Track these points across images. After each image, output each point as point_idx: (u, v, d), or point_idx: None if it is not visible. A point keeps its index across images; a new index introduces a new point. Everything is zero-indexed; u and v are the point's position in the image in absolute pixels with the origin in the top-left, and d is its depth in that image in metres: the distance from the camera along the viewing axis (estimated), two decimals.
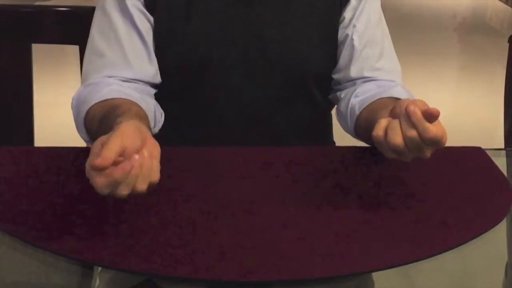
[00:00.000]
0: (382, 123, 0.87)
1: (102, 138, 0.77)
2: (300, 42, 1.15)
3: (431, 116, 0.82)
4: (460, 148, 1.13)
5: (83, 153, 1.06)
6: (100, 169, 0.73)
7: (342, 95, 1.20)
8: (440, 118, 0.84)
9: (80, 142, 1.23)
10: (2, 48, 1.40)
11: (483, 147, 1.12)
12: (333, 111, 1.32)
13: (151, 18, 1.13)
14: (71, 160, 1.04)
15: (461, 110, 3.57)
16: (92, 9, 1.21)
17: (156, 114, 1.11)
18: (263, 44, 1.14)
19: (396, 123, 0.85)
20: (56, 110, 2.34)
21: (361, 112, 1.11)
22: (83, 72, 1.15)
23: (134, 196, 0.91)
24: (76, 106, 1.09)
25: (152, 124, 1.05)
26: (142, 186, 0.76)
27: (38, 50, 1.44)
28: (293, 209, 0.90)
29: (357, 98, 1.14)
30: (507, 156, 1.22)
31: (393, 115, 0.88)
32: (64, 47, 1.40)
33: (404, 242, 0.83)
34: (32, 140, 1.44)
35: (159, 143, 1.09)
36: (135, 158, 0.75)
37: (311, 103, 1.22)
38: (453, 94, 3.86)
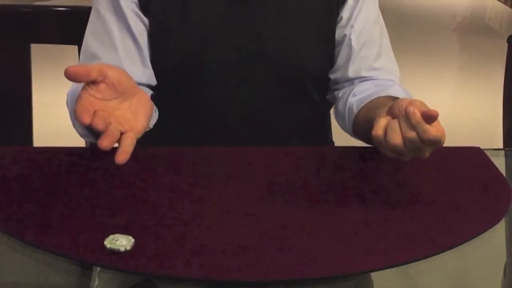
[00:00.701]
0: (381, 122, 0.87)
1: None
2: (297, 42, 1.15)
3: (430, 117, 0.82)
4: (459, 148, 1.13)
5: (82, 153, 1.06)
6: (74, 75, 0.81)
7: (340, 94, 1.20)
8: (439, 118, 0.84)
9: (79, 142, 1.23)
10: (1, 48, 1.40)
11: (482, 147, 1.12)
12: (331, 111, 1.32)
13: (146, 20, 1.13)
14: (70, 160, 1.04)
15: (460, 110, 3.57)
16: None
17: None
18: (260, 45, 1.14)
19: (395, 123, 0.85)
20: (55, 110, 2.34)
21: (359, 111, 1.12)
22: None
23: (133, 196, 0.91)
24: (71, 102, 1.09)
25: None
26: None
27: (37, 50, 1.44)
28: (292, 209, 0.90)
29: (355, 97, 1.14)
30: (506, 156, 1.22)
31: (391, 114, 0.89)
32: (63, 47, 1.40)
33: (403, 242, 0.83)
34: (31, 140, 1.44)
35: (156, 142, 1.09)
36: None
37: (308, 103, 1.22)
38: (452, 94, 3.87)
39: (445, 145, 1.12)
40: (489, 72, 4.12)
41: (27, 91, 1.42)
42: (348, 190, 0.96)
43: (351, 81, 1.18)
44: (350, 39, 1.17)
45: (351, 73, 1.18)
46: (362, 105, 1.11)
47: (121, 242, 0.80)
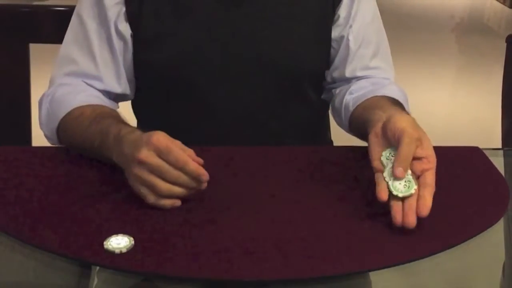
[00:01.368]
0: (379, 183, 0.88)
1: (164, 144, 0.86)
2: (293, 42, 1.15)
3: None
4: (458, 148, 1.13)
5: (80, 152, 1.06)
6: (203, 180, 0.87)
7: (337, 92, 1.21)
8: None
9: None
10: (0, 48, 1.39)
11: (480, 147, 1.12)
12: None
13: (129, 32, 1.12)
14: (69, 160, 1.04)
15: (459, 110, 3.57)
16: None
17: None
18: (255, 46, 1.14)
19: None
20: None
21: (354, 109, 1.13)
22: (52, 74, 1.15)
23: (133, 196, 0.91)
24: (50, 102, 1.10)
25: None
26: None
27: (36, 50, 1.44)
28: (291, 209, 0.90)
29: (351, 96, 1.15)
30: (505, 156, 1.23)
31: (383, 133, 0.92)
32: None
33: (402, 241, 0.83)
34: (29, 140, 1.43)
35: None
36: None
37: (306, 103, 1.22)
38: (450, 94, 3.87)
39: (444, 145, 1.13)
40: (488, 72, 4.13)
41: (25, 91, 1.42)
42: (347, 190, 0.96)
43: (347, 80, 1.19)
44: (348, 40, 1.18)
45: (348, 73, 1.19)
46: (358, 103, 1.12)
47: (121, 242, 0.80)
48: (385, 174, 0.87)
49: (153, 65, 1.14)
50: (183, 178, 0.87)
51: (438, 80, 3.97)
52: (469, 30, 5.62)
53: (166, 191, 0.87)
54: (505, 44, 1.52)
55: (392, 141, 0.90)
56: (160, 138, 0.87)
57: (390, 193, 0.85)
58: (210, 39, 1.13)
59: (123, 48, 1.13)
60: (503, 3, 6.24)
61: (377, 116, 0.97)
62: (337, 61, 1.19)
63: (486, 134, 3.12)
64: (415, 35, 5.04)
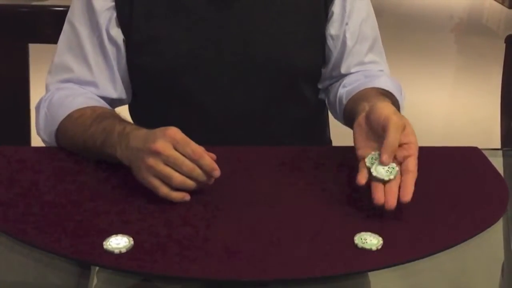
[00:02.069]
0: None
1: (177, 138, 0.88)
2: (286, 41, 1.15)
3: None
4: (457, 148, 1.13)
5: (78, 153, 1.06)
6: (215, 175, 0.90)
7: (331, 86, 1.23)
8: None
9: None
10: None
11: (480, 147, 1.12)
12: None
13: (121, 37, 1.13)
14: (68, 160, 1.04)
15: (458, 110, 3.58)
16: None
17: None
18: (249, 45, 1.14)
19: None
20: None
21: (347, 102, 1.15)
22: (47, 82, 1.15)
23: (132, 196, 0.92)
24: (49, 106, 1.10)
25: None
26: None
27: (35, 50, 1.44)
28: (290, 209, 0.90)
29: (344, 88, 1.17)
30: (504, 156, 1.23)
31: (367, 122, 0.94)
32: None
33: (401, 242, 0.83)
34: (28, 140, 1.43)
35: None
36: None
37: (301, 102, 1.22)
38: (450, 94, 3.87)
39: (443, 145, 1.13)
40: (487, 72, 4.13)
41: (24, 91, 1.42)
42: (346, 190, 0.96)
43: (342, 76, 1.21)
44: (345, 37, 1.19)
45: (343, 69, 1.20)
46: (350, 96, 1.14)
47: (120, 242, 0.80)
48: (367, 159, 0.90)
49: (147, 68, 1.14)
50: (197, 171, 0.88)
51: (437, 81, 3.97)
52: (468, 31, 5.63)
53: (180, 183, 0.88)
54: (504, 44, 1.52)
55: (376, 129, 0.92)
56: (176, 131, 0.89)
57: (374, 177, 0.88)
58: (202, 40, 1.13)
59: (116, 53, 1.14)
60: (502, 3, 6.24)
61: (361, 107, 1.00)
62: (333, 58, 1.20)
63: (485, 135, 3.12)
64: (414, 35, 5.04)
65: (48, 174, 1.00)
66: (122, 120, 1.01)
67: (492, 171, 1.05)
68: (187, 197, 0.90)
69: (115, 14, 1.12)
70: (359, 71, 1.20)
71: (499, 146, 1.51)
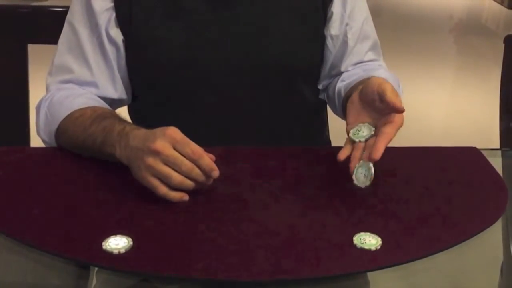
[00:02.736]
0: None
1: (177, 138, 0.89)
2: (285, 40, 1.16)
3: (396, 110, 0.92)
4: (456, 148, 1.13)
5: (78, 154, 1.06)
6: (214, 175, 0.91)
7: (330, 82, 1.24)
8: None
9: None
10: None
11: (478, 147, 1.13)
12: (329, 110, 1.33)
13: (120, 37, 1.13)
14: (67, 161, 1.04)
15: (457, 110, 3.58)
16: None
17: None
18: (248, 45, 1.14)
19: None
20: None
21: (346, 93, 1.15)
22: (47, 82, 1.16)
23: (131, 197, 0.92)
24: (49, 106, 1.10)
25: None
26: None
27: (34, 51, 1.44)
28: (289, 210, 0.90)
29: (343, 82, 1.19)
30: (503, 156, 1.23)
31: (360, 98, 0.99)
32: None
33: (400, 242, 0.83)
34: (28, 140, 1.43)
35: None
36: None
37: (301, 101, 1.23)
38: (449, 95, 3.87)
39: (442, 145, 1.13)
40: (486, 72, 4.13)
41: (24, 92, 1.42)
42: (345, 190, 0.96)
43: (341, 73, 1.22)
44: (346, 37, 1.19)
45: (343, 67, 1.22)
46: (349, 87, 1.15)
47: (119, 242, 0.80)
48: (351, 132, 0.96)
49: (146, 69, 1.14)
50: (196, 171, 0.89)
51: (436, 81, 3.98)
52: (467, 31, 5.63)
53: (179, 183, 0.88)
54: (503, 45, 1.53)
55: (371, 99, 0.95)
56: (176, 130, 0.90)
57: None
58: (201, 41, 1.13)
59: (116, 54, 1.14)
60: (501, 3, 6.25)
61: (355, 89, 1.03)
62: (333, 58, 1.21)
63: (484, 135, 3.12)
64: (413, 36, 5.04)
65: (47, 175, 0.99)
66: (122, 120, 1.02)
67: (491, 171, 1.05)
68: (185, 197, 0.90)
69: (114, 15, 1.12)
70: (357, 66, 1.22)
71: (498, 146, 1.51)
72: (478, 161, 1.09)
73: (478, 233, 0.87)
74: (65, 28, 1.15)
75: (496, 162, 1.10)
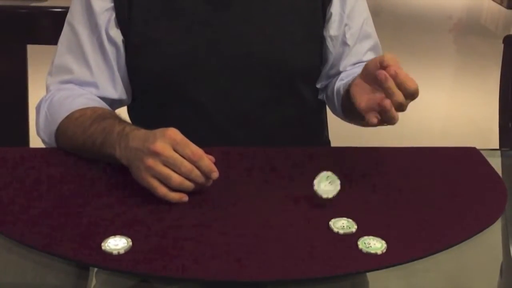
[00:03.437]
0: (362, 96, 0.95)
1: (177, 140, 0.89)
2: (283, 41, 1.16)
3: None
4: (455, 148, 1.13)
5: (77, 154, 1.06)
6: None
7: (329, 83, 1.24)
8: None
9: None
10: None
11: (478, 147, 1.13)
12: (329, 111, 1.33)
13: (120, 38, 1.13)
14: (66, 161, 1.03)
15: (456, 110, 3.58)
16: None
17: None
18: (247, 46, 1.14)
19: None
20: None
21: (345, 91, 1.14)
22: (47, 83, 1.16)
23: (131, 197, 0.92)
24: (49, 106, 1.10)
25: None
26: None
27: (34, 51, 1.44)
28: (289, 210, 0.90)
29: (342, 81, 1.19)
30: (502, 156, 1.23)
31: (364, 76, 0.97)
32: None
33: (399, 242, 0.83)
34: (27, 141, 1.43)
35: None
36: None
37: (299, 101, 1.23)
38: (448, 95, 3.87)
39: (441, 145, 1.13)
40: (485, 72, 4.13)
41: (23, 92, 1.42)
42: (345, 190, 0.96)
43: (340, 73, 1.22)
44: (345, 37, 1.20)
45: (341, 67, 1.22)
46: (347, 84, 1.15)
47: (118, 243, 0.80)
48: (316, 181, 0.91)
49: (145, 69, 1.14)
50: (195, 172, 0.89)
51: (436, 81, 3.98)
52: (467, 31, 5.63)
53: (178, 184, 0.88)
54: (502, 45, 1.53)
55: (374, 75, 0.93)
56: (176, 132, 0.90)
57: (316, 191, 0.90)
58: (200, 41, 1.13)
59: (116, 54, 1.14)
60: (500, 3, 6.25)
61: (355, 76, 1.02)
62: (332, 58, 1.21)
63: (483, 135, 3.12)
64: (412, 36, 5.05)
65: (46, 175, 0.99)
66: (122, 121, 1.02)
67: (490, 171, 1.05)
68: (185, 198, 0.90)
69: (114, 15, 1.12)
70: (355, 66, 1.22)
71: (497, 146, 1.51)
72: (477, 161, 1.09)
73: (478, 233, 0.87)
74: (65, 29, 1.15)
75: (496, 162, 1.10)
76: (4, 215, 0.88)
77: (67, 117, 1.06)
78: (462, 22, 6.05)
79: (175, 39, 1.13)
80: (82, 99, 1.09)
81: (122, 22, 1.12)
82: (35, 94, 1.24)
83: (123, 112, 1.21)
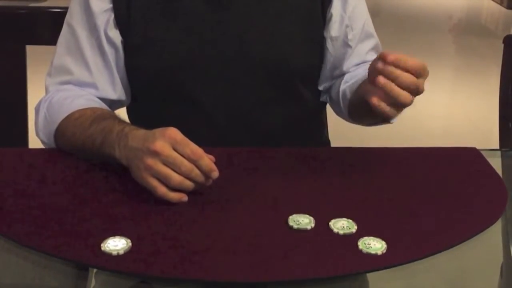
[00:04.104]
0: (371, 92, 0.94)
1: (177, 139, 0.89)
2: (283, 41, 1.16)
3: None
4: (455, 148, 1.13)
5: (76, 155, 1.06)
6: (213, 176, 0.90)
7: (333, 86, 1.25)
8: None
9: None
10: None
11: (478, 147, 1.12)
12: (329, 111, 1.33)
13: (119, 38, 1.13)
14: (66, 162, 1.03)
15: (457, 110, 3.58)
16: None
17: None
18: (246, 46, 1.14)
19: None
20: None
21: (352, 95, 1.16)
22: (46, 83, 1.16)
23: (130, 198, 0.91)
24: (48, 107, 1.10)
25: None
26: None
27: (33, 52, 1.44)
28: (289, 210, 0.90)
29: (346, 84, 1.19)
30: (502, 156, 1.23)
31: (372, 71, 0.95)
32: None
33: (399, 242, 0.83)
34: (26, 142, 1.43)
35: None
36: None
37: (299, 102, 1.23)
38: (448, 95, 3.87)
39: (441, 145, 1.13)
40: (485, 72, 4.13)
41: (22, 93, 1.42)
42: (343, 191, 0.96)
43: (343, 74, 1.23)
44: (346, 38, 1.20)
45: (345, 68, 1.22)
46: (354, 88, 1.15)
47: (118, 244, 0.80)
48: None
49: (144, 70, 1.14)
50: (195, 172, 0.88)
51: (436, 81, 3.98)
52: (467, 31, 5.64)
53: (178, 183, 0.88)
54: (502, 45, 1.53)
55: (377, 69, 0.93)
56: (176, 131, 0.90)
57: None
58: (199, 41, 1.13)
59: (115, 55, 1.14)
60: (500, 3, 6.26)
61: (359, 88, 1.03)
62: (333, 59, 1.21)
63: (484, 135, 3.12)
64: (412, 36, 5.05)
65: (45, 176, 0.99)
66: (121, 121, 1.02)
67: (490, 171, 1.05)
68: (184, 197, 0.89)
69: (112, 16, 1.12)
70: (359, 67, 1.22)
71: (497, 147, 1.51)
72: (477, 161, 1.09)
73: (478, 233, 0.87)
74: (64, 29, 1.15)
75: (496, 163, 1.10)
76: (3, 216, 0.87)
77: (67, 118, 1.06)
78: (462, 22, 6.06)
79: (174, 39, 1.12)
80: (82, 99, 1.09)
81: (121, 22, 1.12)
82: (34, 94, 1.24)
83: (122, 112, 1.21)
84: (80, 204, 0.91)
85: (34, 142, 1.27)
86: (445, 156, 1.10)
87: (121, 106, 1.21)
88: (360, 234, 0.84)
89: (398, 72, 0.91)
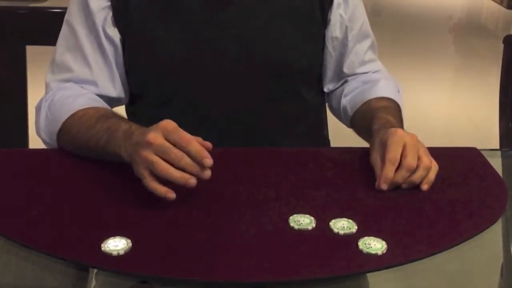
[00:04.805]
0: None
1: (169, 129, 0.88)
2: (282, 41, 1.16)
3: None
4: (456, 148, 1.13)
5: (76, 155, 1.06)
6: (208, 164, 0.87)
7: (333, 93, 1.26)
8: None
9: None
10: None
11: (478, 147, 1.12)
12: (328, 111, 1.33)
13: (118, 36, 1.13)
14: (66, 162, 1.03)
15: (457, 110, 3.58)
16: None
17: None
18: (245, 46, 1.14)
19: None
20: None
21: (354, 114, 1.19)
22: (46, 81, 1.15)
23: (130, 198, 0.91)
24: (49, 106, 1.10)
25: None
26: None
27: (33, 52, 1.44)
28: (289, 210, 0.90)
29: (346, 98, 1.21)
30: (503, 156, 1.23)
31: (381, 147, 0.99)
32: None
33: (399, 242, 0.83)
34: (26, 142, 1.43)
35: None
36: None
37: (298, 102, 1.23)
38: (448, 95, 3.87)
39: (441, 145, 1.13)
40: (485, 72, 4.13)
41: (22, 93, 1.42)
42: (342, 191, 0.96)
43: (345, 75, 1.24)
44: (347, 39, 1.21)
45: (345, 68, 1.23)
46: (356, 107, 1.18)
47: (118, 244, 0.80)
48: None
49: (143, 68, 1.14)
50: (185, 159, 0.86)
51: (436, 81, 3.98)
52: (467, 31, 5.63)
53: (163, 171, 0.85)
54: (502, 45, 1.53)
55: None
56: (170, 122, 0.89)
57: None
58: (198, 41, 1.13)
59: (114, 52, 1.14)
60: (500, 3, 6.25)
61: (373, 134, 1.04)
62: (333, 59, 1.22)
63: (484, 135, 3.12)
64: (412, 36, 5.05)
65: (45, 176, 0.99)
66: (126, 120, 1.02)
67: (490, 171, 1.05)
68: (170, 194, 0.87)
69: (110, 14, 1.12)
70: (357, 77, 1.23)
71: (497, 147, 1.51)
72: (477, 161, 1.09)
73: (478, 233, 0.87)
74: (64, 28, 1.16)
75: (496, 162, 1.10)
76: (3, 216, 0.87)
77: (71, 117, 1.06)
78: (462, 22, 6.05)
79: (173, 39, 1.12)
80: (83, 98, 1.09)
81: (119, 21, 1.12)
82: (35, 95, 1.24)
83: (121, 111, 1.21)
84: (80, 204, 0.91)
85: (35, 142, 1.27)
86: (445, 156, 1.10)
87: (120, 104, 1.21)
88: (360, 234, 0.84)
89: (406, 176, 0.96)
